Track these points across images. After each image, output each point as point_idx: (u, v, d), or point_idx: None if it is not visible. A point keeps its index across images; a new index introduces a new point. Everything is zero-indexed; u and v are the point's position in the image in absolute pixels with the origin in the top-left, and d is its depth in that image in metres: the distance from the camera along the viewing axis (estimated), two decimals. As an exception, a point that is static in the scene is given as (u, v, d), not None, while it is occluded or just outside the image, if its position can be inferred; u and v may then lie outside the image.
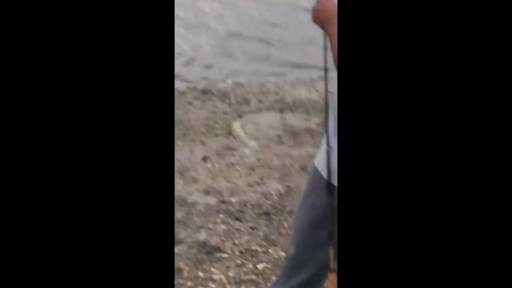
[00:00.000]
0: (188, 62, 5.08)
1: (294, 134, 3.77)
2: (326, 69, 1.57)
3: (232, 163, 3.40)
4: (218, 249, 2.58)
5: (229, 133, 3.79)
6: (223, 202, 2.98)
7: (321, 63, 1.56)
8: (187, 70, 4.87)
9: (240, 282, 2.39)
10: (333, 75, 1.51)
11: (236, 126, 3.86)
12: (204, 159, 3.41)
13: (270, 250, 2.59)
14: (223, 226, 2.77)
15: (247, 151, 3.57)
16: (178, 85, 4.51)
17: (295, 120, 4.00)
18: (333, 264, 1.58)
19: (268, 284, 2.31)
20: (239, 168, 3.35)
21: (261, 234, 2.71)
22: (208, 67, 5.06)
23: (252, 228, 2.76)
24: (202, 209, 2.89)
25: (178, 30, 5.62)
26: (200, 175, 3.22)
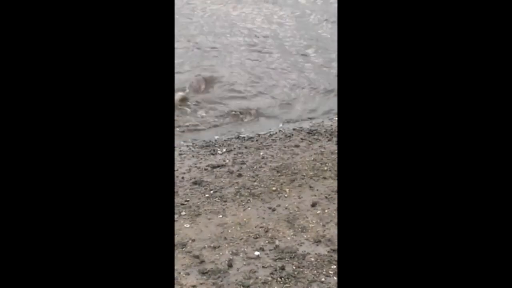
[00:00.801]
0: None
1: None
2: None
3: (343, 207, 3.27)
4: (331, 305, 2.46)
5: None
6: (335, 251, 2.86)
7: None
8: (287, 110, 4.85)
9: None
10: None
11: (345, 166, 3.73)
12: (313, 204, 3.31)
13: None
14: (335, 278, 2.64)
15: (357, 192, 3.43)
16: (284, 127, 4.49)
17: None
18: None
19: None
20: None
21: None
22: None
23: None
24: (313, 260, 2.79)
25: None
26: (310, 223, 3.13)
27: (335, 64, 5.59)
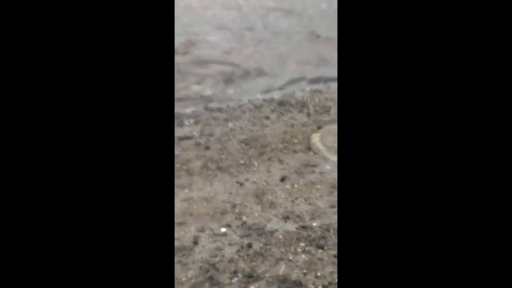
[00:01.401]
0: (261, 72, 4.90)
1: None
2: None
3: (312, 182, 3.19)
4: (299, 285, 2.38)
5: (309, 147, 3.57)
6: (304, 227, 2.78)
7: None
8: (258, 82, 4.70)
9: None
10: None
11: (316, 139, 3.64)
12: (283, 179, 3.22)
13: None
14: (304, 256, 2.56)
15: (328, 167, 3.34)
16: (254, 98, 4.36)
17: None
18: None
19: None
20: (319, 187, 3.13)
21: (346, 264, 2.48)
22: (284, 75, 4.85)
23: (336, 256, 2.54)
24: (281, 238, 2.71)
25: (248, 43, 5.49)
26: (279, 198, 3.04)
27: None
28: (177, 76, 4.62)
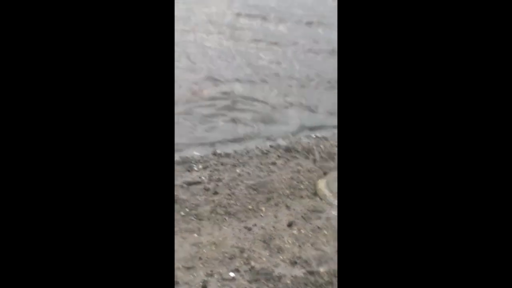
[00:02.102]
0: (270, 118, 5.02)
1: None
2: None
3: (319, 227, 3.25)
4: (307, 330, 2.42)
5: (315, 193, 3.65)
6: (311, 273, 2.83)
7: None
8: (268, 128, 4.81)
9: None
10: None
11: (322, 185, 3.72)
12: (290, 224, 3.28)
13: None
14: (311, 302, 2.61)
15: (334, 212, 3.41)
16: (261, 144, 4.46)
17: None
18: None
19: None
20: (326, 233, 3.20)
21: (353, 310, 2.52)
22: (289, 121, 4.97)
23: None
24: (289, 283, 2.76)
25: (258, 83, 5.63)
26: (286, 243, 3.10)
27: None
28: (185, 120, 4.75)
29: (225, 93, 5.42)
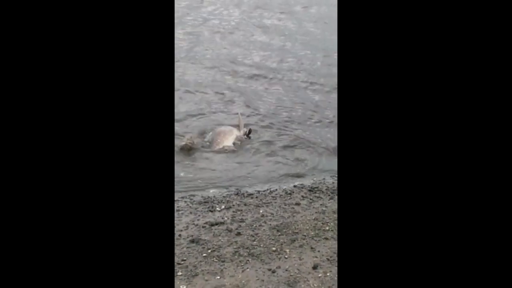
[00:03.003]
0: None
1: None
2: None
3: (345, 271, 3.14)
4: None
5: (340, 235, 3.55)
6: (338, 318, 2.72)
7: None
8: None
9: None
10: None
11: (347, 226, 3.62)
12: (315, 267, 3.18)
13: None
14: None
15: (360, 255, 3.30)
16: (284, 184, 4.40)
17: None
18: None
19: None
20: (353, 276, 3.08)
21: None
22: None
23: None
24: (315, 329, 2.64)
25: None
26: (311, 287, 2.99)
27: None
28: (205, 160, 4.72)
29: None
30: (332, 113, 5.74)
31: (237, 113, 5.53)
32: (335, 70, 6.41)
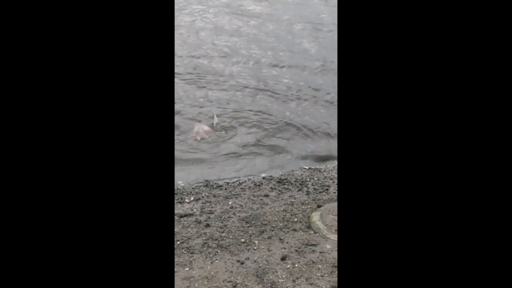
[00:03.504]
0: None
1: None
2: None
3: (313, 261, 3.18)
4: None
5: (309, 226, 3.59)
6: (306, 308, 2.76)
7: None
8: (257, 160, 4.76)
9: None
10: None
11: (316, 217, 3.66)
12: (283, 258, 3.21)
13: None
14: None
15: (328, 246, 3.35)
16: (252, 176, 4.41)
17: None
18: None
19: None
20: (320, 267, 3.13)
21: None
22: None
23: None
24: (283, 319, 2.68)
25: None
26: (280, 278, 3.02)
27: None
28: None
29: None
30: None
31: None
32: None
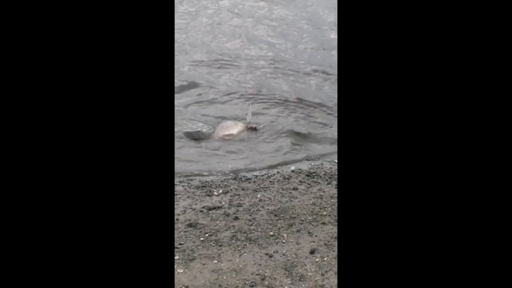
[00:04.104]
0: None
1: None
2: None
3: (342, 255, 3.15)
4: None
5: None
6: (335, 302, 2.73)
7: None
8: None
9: None
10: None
11: (345, 211, 3.62)
12: (312, 252, 3.19)
13: None
14: (335, 333, 2.51)
15: (358, 240, 3.31)
16: (281, 169, 4.39)
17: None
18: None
19: None
20: (350, 261, 3.09)
21: None
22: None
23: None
24: (312, 313, 2.66)
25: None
26: (308, 271, 3.00)
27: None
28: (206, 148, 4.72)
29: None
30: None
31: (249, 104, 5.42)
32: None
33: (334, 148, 4.74)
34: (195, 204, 3.74)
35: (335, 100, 5.60)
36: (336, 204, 3.76)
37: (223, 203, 3.76)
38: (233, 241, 3.29)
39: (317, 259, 3.12)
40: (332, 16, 7.95)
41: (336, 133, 4.90)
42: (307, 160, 4.61)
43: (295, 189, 4.01)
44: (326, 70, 6.41)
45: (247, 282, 2.89)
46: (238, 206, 3.71)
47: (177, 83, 5.70)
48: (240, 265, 3.04)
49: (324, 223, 3.52)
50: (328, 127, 5.17)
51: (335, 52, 6.72)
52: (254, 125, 5.04)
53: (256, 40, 7.23)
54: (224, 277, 2.93)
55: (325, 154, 4.72)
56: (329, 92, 5.88)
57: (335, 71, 6.20)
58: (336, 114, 5.25)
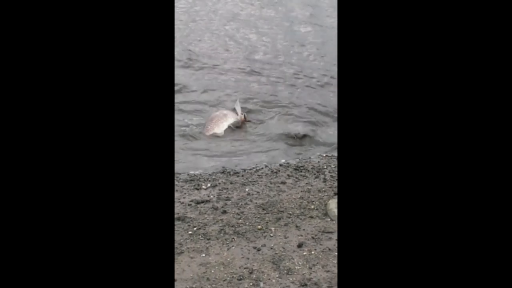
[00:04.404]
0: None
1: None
2: None
3: (329, 249, 3.17)
4: None
5: (325, 213, 3.58)
6: (322, 295, 2.76)
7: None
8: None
9: None
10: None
11: (332, 205, 3.64)
12: (300, 245, 3.21)
13: None
14: (322, 326, 2.53)
15: (345, 233, 3.34)
16: (270, 163, 4.40)
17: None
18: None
19: None
20: (337, 254, 3.11)
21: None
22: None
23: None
24: (299, 306, 2.68)
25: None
26: (296, 265, 3.02)
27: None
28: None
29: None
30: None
31: (236, 100, 5.42)
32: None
33: (326, 148, 4.75)
34: (183, 197, 3.74)
35: (328, 102, 5.64)
36: (323, 197, 3.78)
37: (211, 196, 3.77)
38: (221, 234, 3.30)
39: (304, 253, 3.14)
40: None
41: (325, 135, 4.94)
42: (296, 154, 4.63)
43: (283, 183, 4.03)
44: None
45: (235, 276, 2.90)
46: (226, 200, 3.72)
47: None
48: (228, 259, 3.06)
49: (311, 217, 3.54)
50: (319, 127, 5.17)
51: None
52: (244, 116, 5.05)
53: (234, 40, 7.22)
54: (212, 271, 2.94)
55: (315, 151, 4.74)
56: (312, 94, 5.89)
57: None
58: (328, 115, 5.27)
